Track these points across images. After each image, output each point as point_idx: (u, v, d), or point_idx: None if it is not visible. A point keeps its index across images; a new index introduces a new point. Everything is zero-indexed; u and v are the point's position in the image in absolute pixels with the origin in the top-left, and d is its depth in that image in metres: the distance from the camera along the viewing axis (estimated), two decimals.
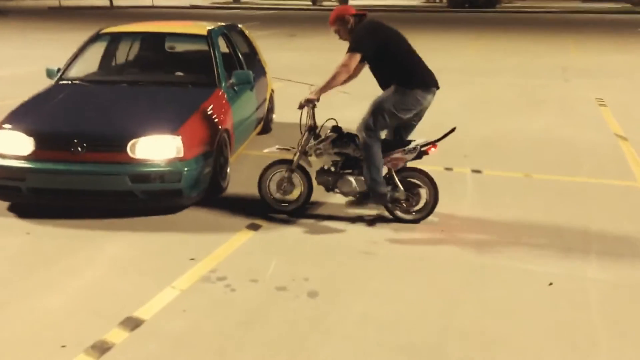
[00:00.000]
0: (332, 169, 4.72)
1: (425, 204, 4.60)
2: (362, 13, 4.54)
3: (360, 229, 4.53)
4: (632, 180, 5.73)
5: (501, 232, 4.50)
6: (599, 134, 7.51)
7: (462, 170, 6.04)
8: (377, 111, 4.41)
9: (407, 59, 4.48)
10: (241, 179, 5.57)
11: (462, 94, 9.95)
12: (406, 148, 4.50)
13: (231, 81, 5.67)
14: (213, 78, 5.56)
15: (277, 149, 4.85)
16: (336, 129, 4.71)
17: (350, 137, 4.65)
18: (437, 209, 4.72)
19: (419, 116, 4.58)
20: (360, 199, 4.73)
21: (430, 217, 4.69)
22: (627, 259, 4.05)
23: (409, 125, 4.66)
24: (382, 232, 4.48)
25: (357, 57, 4.29)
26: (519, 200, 5.20)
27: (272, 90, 7.53)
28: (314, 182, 4.81)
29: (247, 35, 7.20)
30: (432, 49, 14.48)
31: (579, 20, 26.28)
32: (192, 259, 3.99)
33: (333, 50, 17.47)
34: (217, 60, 5.69)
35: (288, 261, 4.01)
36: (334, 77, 4.32)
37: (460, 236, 4.41)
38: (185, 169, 4.58)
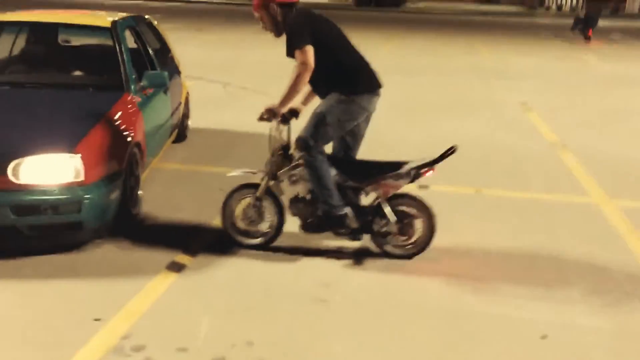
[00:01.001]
0: (309, 196, 3.91)
1: (421, 236, 3.89)
2: (290, 2, 3.74)
3: (312, 265, 3.78)
4: (586, 195, 5.35)
5: (471, 265, 3.90)
6: (534, 141, 7.18)
7: (407, 187, 5.42)
8: (319, 124, 3.74)
9: (348, 57, 3.83)
10: (156, 202, 4.66)
11: (387, 96, 9.29)
12: (399, 172, 3.80)
13: (142, 84, 4.73)
14: (120, 80, 4.60)
15: (243, 172, 4.01)
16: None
17: (333, 160, 3.91)
18: None
19: (366, 122, 3.94)
20: (315, 226, 3.92)
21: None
22: (613, 298, 3.56)
23: (357, 134, 3.96)
24: (338, 269, 3.75)
25: (310, 49, 3.60)
26: (479, 223, 4.64)
27: (187, 93, 6.61)
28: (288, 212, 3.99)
29: (158, 28, 6.23)
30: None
31: (483, 23, 26.82)
32: (98, 320, 3.07)
33: (244, 47, 16.79)
34: (125, 58, 4.72)
35: (224, 317, 3.20)
36: (296, 80, 3.61)
37: (426, 274, 3.76)
38: (87, 195, 3.64)
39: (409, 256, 3.91)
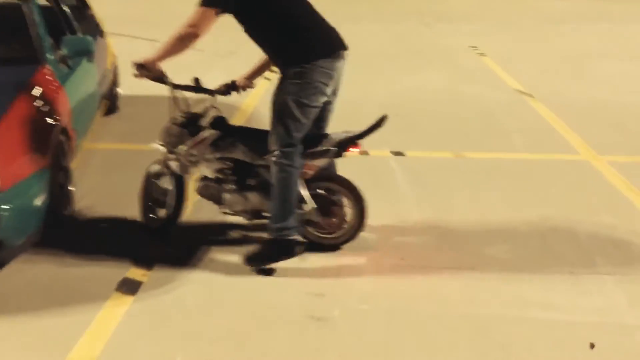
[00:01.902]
0: (220, 176, 3.27)
1: (348, 223, 3.26)
2: None
3: (297, 271, 3.10)
4: (573, 152, 4.90)
5: (475, 250, 3.35)
6: (501, 91, 6.72)
7: (380, 153, 4.82)
8: (285, 115, 3.00)
9: (294, 14, 3.02)
10: (93, 196, 3.85)
11: None
12: (317, 149, 3.10)
13: (61, 52, 3.83)
14: (32, 49, 3.68)
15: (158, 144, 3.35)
16: (218, 122, 3.25)
17: (241, 133, 3.24)
18: (381, 218, 3.51)
19: (335, 93, 3.19)
20: (264, 257, 3.11)
21: (377, 231, 3.44)
22: None
23: (325, 109, 3.19)
24: (329, 275, 3.10)
25: (212, 14, 2.87)
26: (468, 192, 4.09)
27: (115, 57, 5.67)
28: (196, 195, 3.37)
29: None
30: None
31: None
32: None
33: None
34: (36, 20, 3.79)
35: (201, 349, 2.52)
36: (174, 42, 2.91)
37: (428, 266, 3.19)
38: (4, 206, 2.82)
39: (337, 244, 3.28)
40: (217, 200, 3.30)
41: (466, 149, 4.90)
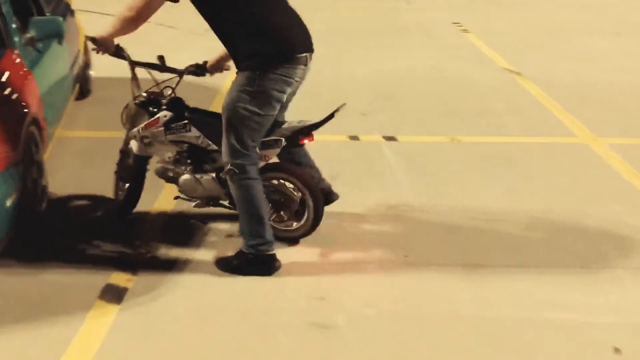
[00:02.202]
0: (178, 157, 3.09)
1: (305, 217, 3.02)
2: None
3: (293, 270, 2.88)
4: (570, 134, 4.74)
5: (480, 244, 3.17)
6: (488, 69, 6.53)
7: (371, 138, 4.60)
8: (236, 123, 2.73)
9: (248, 7, 2.69)
10: (67, 190, 3.58)
11: (311, 21, 8.40)
12: (265, 140, 2.87)
13: (29, 35, 3.51)
14: None
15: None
16: (173, 103, 3.06)
17: (198, 116, 3.03)
18: (378, 209, 3.36)
19: (293, 94, 2.91)
20: (234, 267, 2.87)
21: (377, 225, 3.25)
22: None
23: (284, 106, 2.97)
24: (328, 274, 2.89)
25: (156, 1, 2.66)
26: (467, 180, 3.91)
27: (86, 37, 5.31)
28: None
29: None
30: None
31: None
32: None
33: None
34: (1, 1, 3.45)
35: None
36: (119, 24, 2.74)
37: (433, 263, 3.00)
38: None
39: (294, 238, 3.08)
40: (176, 184, 3.12)
41: (460, 132, 4.71)
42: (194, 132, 2.98)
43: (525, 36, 8.13)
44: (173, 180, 3.14)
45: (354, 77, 6.14)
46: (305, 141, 2.94)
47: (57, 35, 3.61)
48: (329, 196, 3.21)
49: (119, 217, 3.29)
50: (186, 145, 3.03)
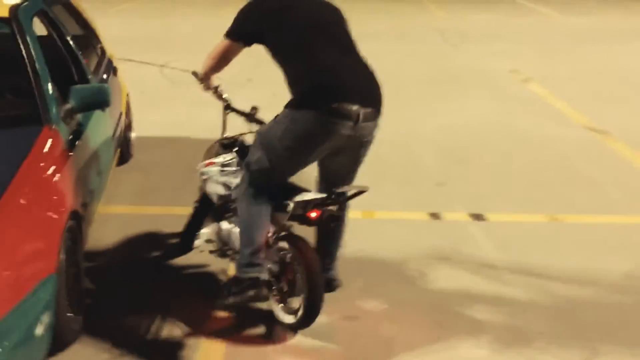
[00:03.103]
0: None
1: (301, 303, 2.62)
2: None
3: None
4: None
5: None
6: (566, 126, 5.86)
7: (455, 216, 3.96)
8: (263, 144, 2.68)
9: (303, 52, 2.62)
10: (109, 289, 2.98)
11: None
12: (277, 203, 2.68)
13: (69, 106, 2.95)
14: (32, 105, 2.78)
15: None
16: (242, 148, 2.98)
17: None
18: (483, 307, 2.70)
19: (350, 156, 2.71)
20: (230, 291, 2.81)
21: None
22: None
23: (340, 171, 2.79)
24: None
25: (228, 45, 2.74)
26: (583, 273, 3.23)
27: (127, 95, 4.81)
28: None
29: (78, 7, 4.32)
30: None
31: None
32: None
33: (173, 15, 14.36)
34: (39, 66, 2.88)
35: None
36: (206, 65, 2.88)
37: None
38: None
39: (293, 327, 2.68)
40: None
41: (559, 209, 4.03)
42: (235, 181, 2.88)
43: (596, 87, 7.45)
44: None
45: (416, 135, 5.54)
46: (313, 214, 2.61)
47: (102, 105, 3.05)
48: (330, 283, 2.86)
49: (181, 250, 3.20)
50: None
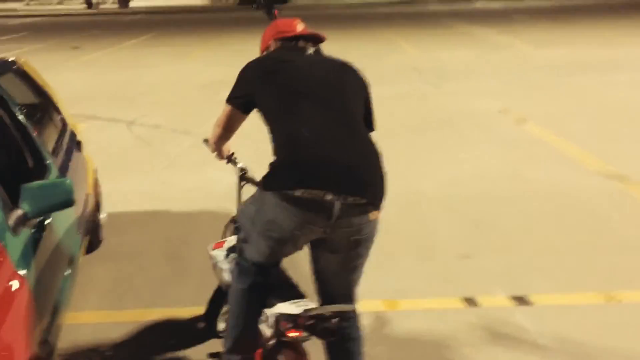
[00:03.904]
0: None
1: None
2: (291, 35, 2.48)
3: None
4: None
5: None
6: (580, 173, 5.36)
7: (493, 300, 3.34)
8: (242, 224, 2.40)
9: (283, 119, 2.22)
10: None
11: None
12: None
13: (20, 212, 2.26)
14: None
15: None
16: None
17: None
18: None
19: (339, 255, 2.18)
20: None
21: None
22: None
23: (329, 269, 2.27)
24: None
25: (229, 111, 2.42)
26: None
27: (95, 171, 4.11)
28: None
29: (33, 75, 3.62)
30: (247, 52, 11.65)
31: (378, 15, 25.02)
32: None
33: (138, 66, 13.67)
34: None
35: None
36: (213, 134, 2.56)
37: None
38: None
39: None
40: None
41: (611, 284, 3.45)
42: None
43: (597, 123, 7.00)
44: None
45: (423, 195, 4.95)
46: (292, 334, 2.12)
47: (64, 206, 2.35)
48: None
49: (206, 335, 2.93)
50: None
